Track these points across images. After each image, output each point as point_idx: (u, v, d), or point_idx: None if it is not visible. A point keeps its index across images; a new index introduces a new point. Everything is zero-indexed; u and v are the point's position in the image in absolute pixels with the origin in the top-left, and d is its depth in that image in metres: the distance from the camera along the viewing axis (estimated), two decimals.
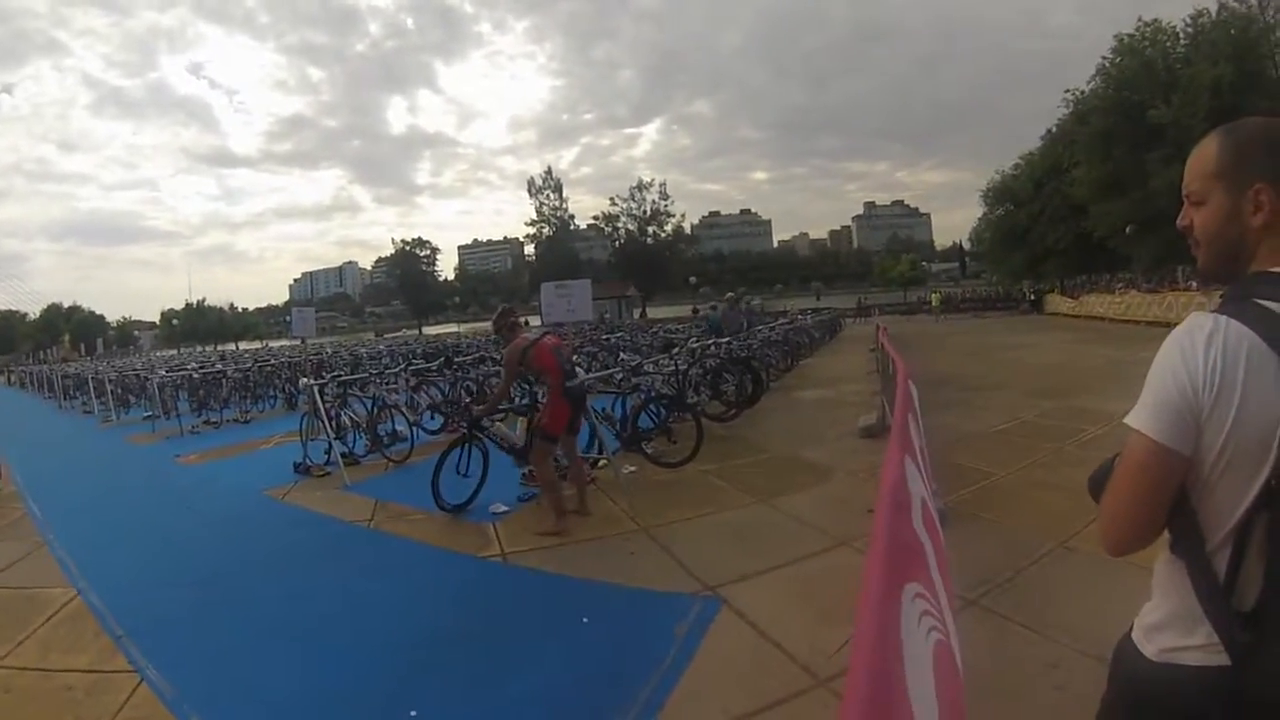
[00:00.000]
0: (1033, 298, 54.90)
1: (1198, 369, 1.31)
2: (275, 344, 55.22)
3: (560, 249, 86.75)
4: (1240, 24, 37.71)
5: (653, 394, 9.78)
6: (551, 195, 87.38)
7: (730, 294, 25.47)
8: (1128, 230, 39.81)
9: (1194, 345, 1.32)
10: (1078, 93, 46.38)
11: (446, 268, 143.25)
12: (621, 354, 15.28)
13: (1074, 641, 3.87)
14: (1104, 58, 42.83)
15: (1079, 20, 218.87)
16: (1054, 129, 52.93)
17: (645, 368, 10.84)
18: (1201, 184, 1.48)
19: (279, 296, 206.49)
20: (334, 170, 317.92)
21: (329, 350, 29.85)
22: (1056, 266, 54.80)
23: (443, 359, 14.56)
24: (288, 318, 25.06)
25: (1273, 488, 1.25)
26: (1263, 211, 1.38)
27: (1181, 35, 39.95)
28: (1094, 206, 42.52)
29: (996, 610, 4.47)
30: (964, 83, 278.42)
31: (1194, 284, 30.86)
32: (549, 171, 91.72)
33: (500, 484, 8.03)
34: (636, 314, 72.60)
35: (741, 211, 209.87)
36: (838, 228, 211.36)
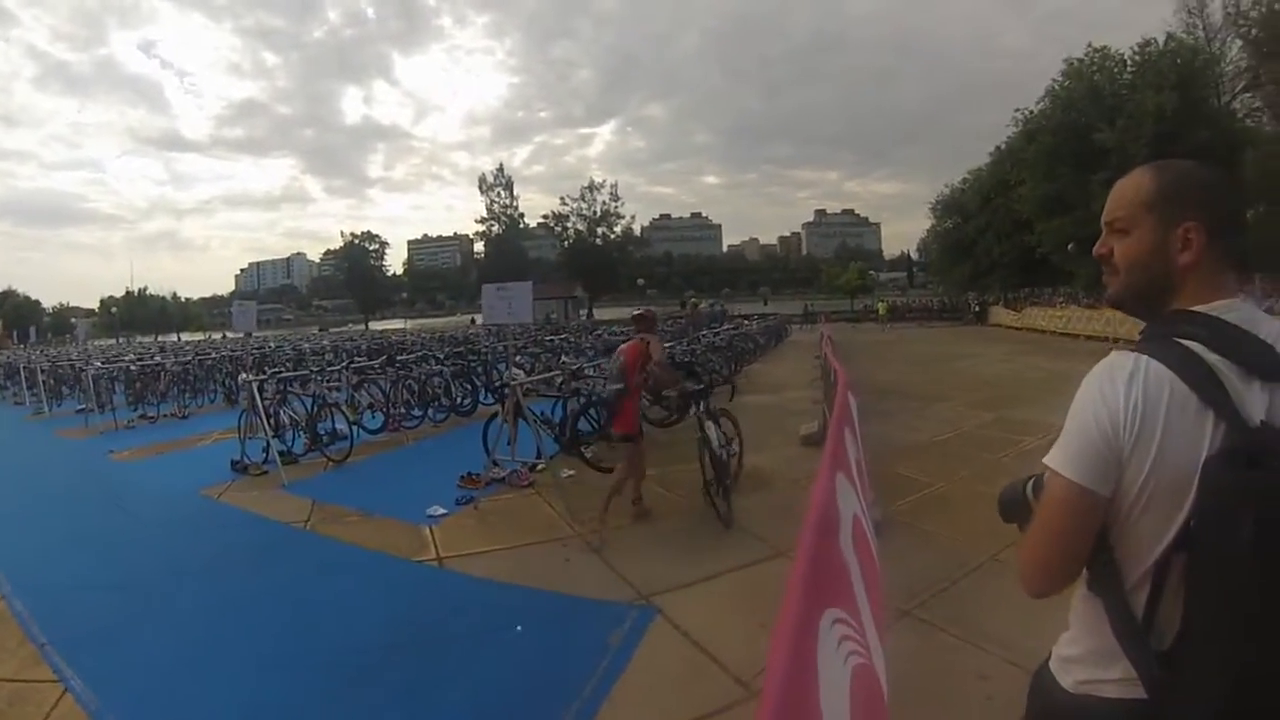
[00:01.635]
0: (977, 309, 55.71)
1: (1118, 410, 1.31)
2: (218, 336, 54.11)
3: (509, 247, 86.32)
4: (1186, 55, 38.93)
5: (593, 398, 9.73)
6: (502, 193, 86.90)
7: (693, 296, 25.74)
8: (1070, 247, 40.63)
9: (1114, 386, 1.33)
10: (1027, 112, 47.62)
11: (395, 263, 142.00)
12: (563, 357, 15.22)
13: (1005, 652, 3.90)
14: (1054, 80, 44.16)
15: (1031, 43, 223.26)
16: (1003, 146, 54.10)
17: (586, 371, 10.78)
18: (1129, 213, 1.47)
19: (225, 287, 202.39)
20: (285, 159, 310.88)
21: (272, 344, 29.32)
22: (1001, 279, 55.87)
23: (385, 357, 14.34)
24: (231, 309, 24.55)
25: (1191, 528, 1.25)
26: (1190, 250, 1.39)
27: (1129, 62, 41.15)
28: (1038, 223, 43.57)
29: (930, 620, 4.53)
30: (918, 97, 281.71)
31: None
32: (500, 169, 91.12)
33: (438, 486, 7.99)
34: (583, 314, 72.47)
35: (692, 215, 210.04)
36: (788, 234, 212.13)
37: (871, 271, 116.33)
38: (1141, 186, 1.46)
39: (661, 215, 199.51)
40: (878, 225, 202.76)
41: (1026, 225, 45.92)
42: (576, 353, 17.15)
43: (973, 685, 3.73)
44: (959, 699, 3.65)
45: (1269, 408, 1.26)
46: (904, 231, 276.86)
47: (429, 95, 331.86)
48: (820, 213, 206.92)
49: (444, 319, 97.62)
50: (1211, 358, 1.29)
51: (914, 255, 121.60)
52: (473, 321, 57.31)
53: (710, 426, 6.98)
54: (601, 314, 73.21)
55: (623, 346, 7.43)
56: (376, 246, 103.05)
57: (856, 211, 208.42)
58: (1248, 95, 41.16)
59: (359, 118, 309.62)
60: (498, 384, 10.04)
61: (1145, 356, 1.33)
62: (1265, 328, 1.34)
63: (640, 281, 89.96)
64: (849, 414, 4.39)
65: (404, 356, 14.70)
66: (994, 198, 53.11)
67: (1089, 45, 42.60)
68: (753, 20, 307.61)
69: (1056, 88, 43.66)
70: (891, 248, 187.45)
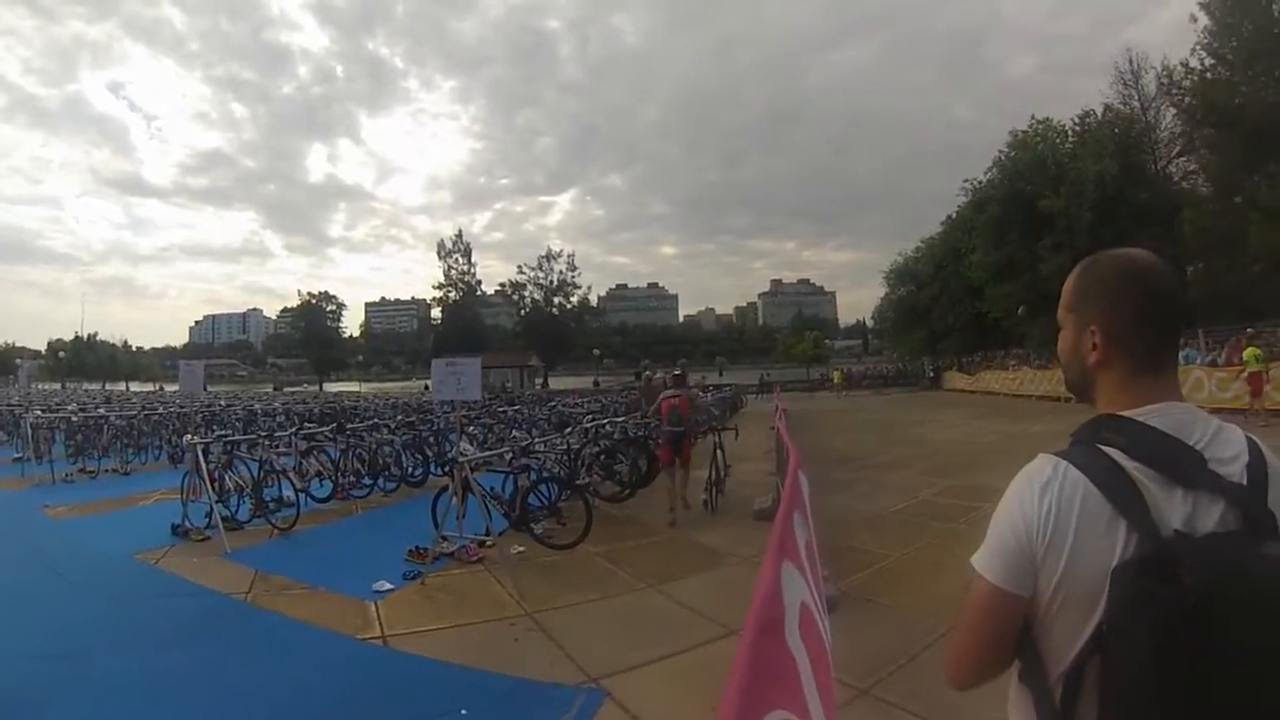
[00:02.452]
0: (932, 374, 56.55)
1: (1033, 516, 1.34)
2: (170, 388, 53.15)
3: (466, 314, 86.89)
4: (1123, 124, 41.55)
5: (543, 474, 9.67)
6: (460, 259, 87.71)
7: (647, 368, 26.09)
8: (1020, 311, 42.12)
9: (1031, 492, 1.35)
10: (976, 182, 49.96)
11: (353, 324, 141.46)
12: (514, 431, 15.14)
13: None
14: (1000, 151, 46.69)
15: (979, 114, 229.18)
16: (953, 215, 56.10)
17: (536, 446, 10.67)
18: (1061, 312, 1.55)
19: (178, 338, 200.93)
20: (247, 212, 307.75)
21: (222, 402, 28.86)
22: (954, 344, 57.04)
23: (335, 424, 14.05)
24: (179, 367, 24.13)
25: (1103, 633, 1.26)
26: (1096, 352, 1.44)
27: (1070, 132, 43.94)
28: (989, 288, 45.17)
29: (887, 699, 4.45)
30: (872, 167, 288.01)
31: None
32: (459, 235, 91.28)
33: (386, 560, 7.83)
34: (539, 384, 72.54)
35: (649, 285, 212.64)
36: (744, 304, 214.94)
37: (827, 340, 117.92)
38: (1067, 285, 1.54)
39: (618, 285, 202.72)
40: (833, 294, 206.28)
41: (978, 291, 47.52)
42: (530, 425, 17.03)
43: None
44: None
45: (1188, 516, 1.27)
46: (859, 299, 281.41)
47: (393, 157, 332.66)
48: (776, 282, 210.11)
49: (400, 383, 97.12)
50: (1130, 465, 1.31)
51: (869, 322, 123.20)
52: (426, 388, 57.12)
53: (720, 448, 11.86)
54: (558, 383, 73.34)
55: (674, 400, 11.11)
56: (334, 307, 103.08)
57: (812, 280, 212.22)
58: (1183, 159, 42.60)
59: (322, 175, 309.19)
60: (450, 455, 9.86)
61: (1065, 463, 1.35)
62: (1198, 430, 1.34)
63: (596, 351, 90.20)
64: (800, 496, 4.30)
65: (354, 425, 14.37)
66: (946, 265, 54.95)
67: (1033, 117, 45.44)
68: (712, 94, 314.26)
69: (1003, 158, 46.07)
70: (847, 315, 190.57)
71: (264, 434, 12.13)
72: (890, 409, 34.51)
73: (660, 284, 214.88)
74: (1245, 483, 1.28)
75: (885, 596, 6.42)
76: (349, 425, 13.94)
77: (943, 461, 14.70)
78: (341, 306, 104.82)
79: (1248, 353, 21.26)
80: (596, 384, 48.15)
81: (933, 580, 6.71)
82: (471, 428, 17.57)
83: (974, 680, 1.47)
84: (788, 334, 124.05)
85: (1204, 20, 36.55)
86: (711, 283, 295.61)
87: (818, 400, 47.42)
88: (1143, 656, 1.18)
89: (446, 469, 9.44)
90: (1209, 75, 36.81)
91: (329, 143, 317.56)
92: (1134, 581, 1.22)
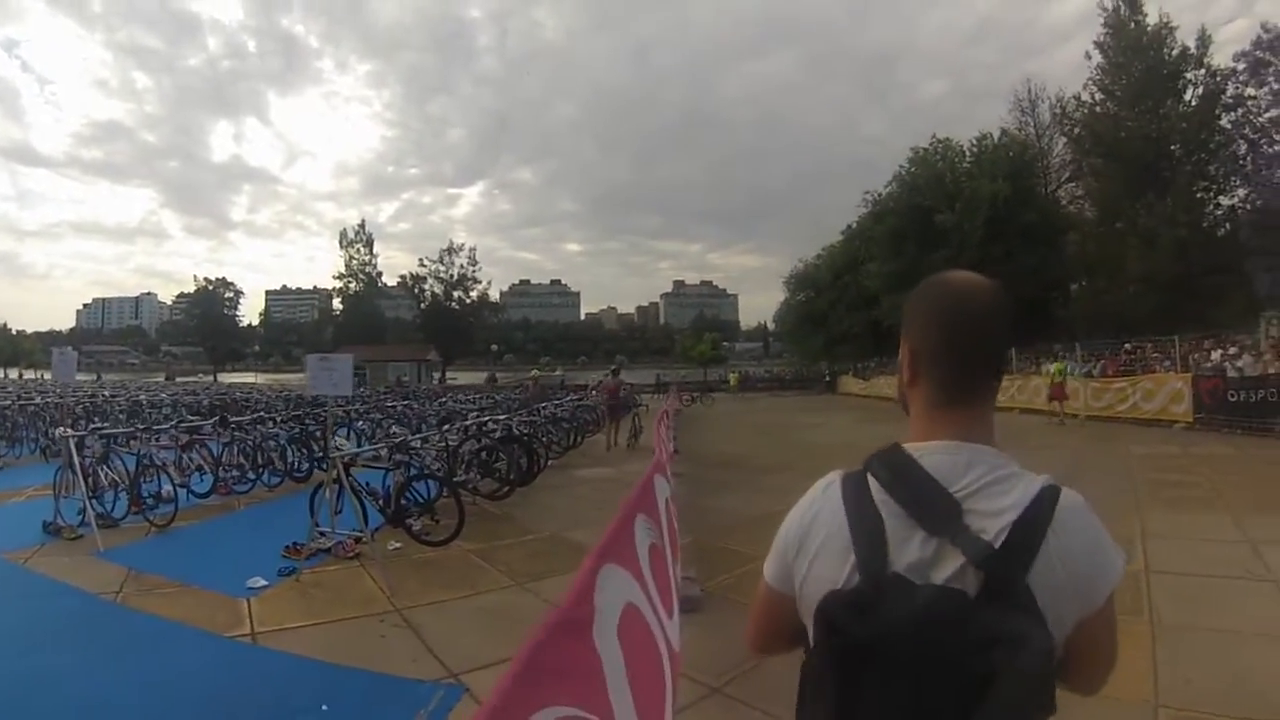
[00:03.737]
0: (828, 378, 57.51)
1: (795, 526, 1.43)
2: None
3: (366, 306, 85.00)
4: (1018, 148, 44.15)
5: (419, 470, 9.69)
6: (362, 249, 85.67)
7: (547, 364, 27.77)
8: None
9: (804, 503, 1.44)
10: (876, 194, 51.01)
11: (252, 313, 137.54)
12: (393, 427, 15.11)
13: None
14: (901, 166, 47.93)
15: (888, 131, 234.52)
16: (853, 225, 57.33)
17: (413, 443, 10.64)
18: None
19: (65, 322, 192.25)
20: (145, 190, 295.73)
21: (107, 392, 27.87)
22: (851, 350, 58.36)
23: (218, 417, 13.79)
24: (53, 354, 23.03)
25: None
26: (907, 372, 1.46)
27: (968, 153, 45.52)
28: (884, 298, 46.30)
29: (737, 697, 4.63)
30: (783, 175, 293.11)
31: None
32: (362, 225, 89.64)
33: (263, 556, 7.81)
34: (436, 378, 71.71)
35: (552, 281, 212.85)
36: (646, 303, 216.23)
37: (726, 342, 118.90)
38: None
39: (522, 281, 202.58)
40: (735, 297, 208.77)
41: (874, 300, 48.77)
42: (421, 421, 17.03)
43: None
44: None
45: (920, 563, 1.26)
46: (762, 303, 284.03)
47: (301, 140, 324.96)
48: (679, 283, 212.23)
49: (298, 375, 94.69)
50: (882, 499, 1.32)
51: (771, 326, 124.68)
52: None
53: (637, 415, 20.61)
54: (459, 378, 72.45)
55: (611, 385, 22.19)
56: (232, 294, 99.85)
57: (715, 283, 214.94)
58: (1072, 184, 45.79)
59: (227, 155, 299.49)
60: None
61: (837, 484, 1.40)
62: (970, 476, 1.31)
63: (494, 347, 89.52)
64: (649, 500, 4.46)
65: (239, 418, 14.06)
66: (844, 274, 56.38)
67: (934, 136, 46.99)
68: (629, 94, 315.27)
69: (903, 173, 47.51)
70: (749, 319, 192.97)
71: (142, 427, 11.83)
72: (784, 411, 35.14)
73: (563, 281, 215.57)
74: (999, 543, 1.24)
75: (750, 597, 6.60)
76: (233, 418, 13.67)
77: (825, 464, 14.71)
78: (239, 294, 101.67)
79: (1054, 368, 25.14)
80: (492, 380, 47.61)
81: None
82: (360, 423, 17.46)
83: (764, 652, 1.64)
84: (687, 335, 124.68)
85: (1098, 58, 39.79)
86: (615, 282, 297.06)
87: (713, 402, 47.85)
88: (818, 679, 1.28)
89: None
90: (1098, 109, 39.81)
91: (236, 121, 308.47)
92: (828, 612, 1.27)
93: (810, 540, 1.39)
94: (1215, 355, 22.50)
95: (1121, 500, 10.67)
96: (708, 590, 6.60)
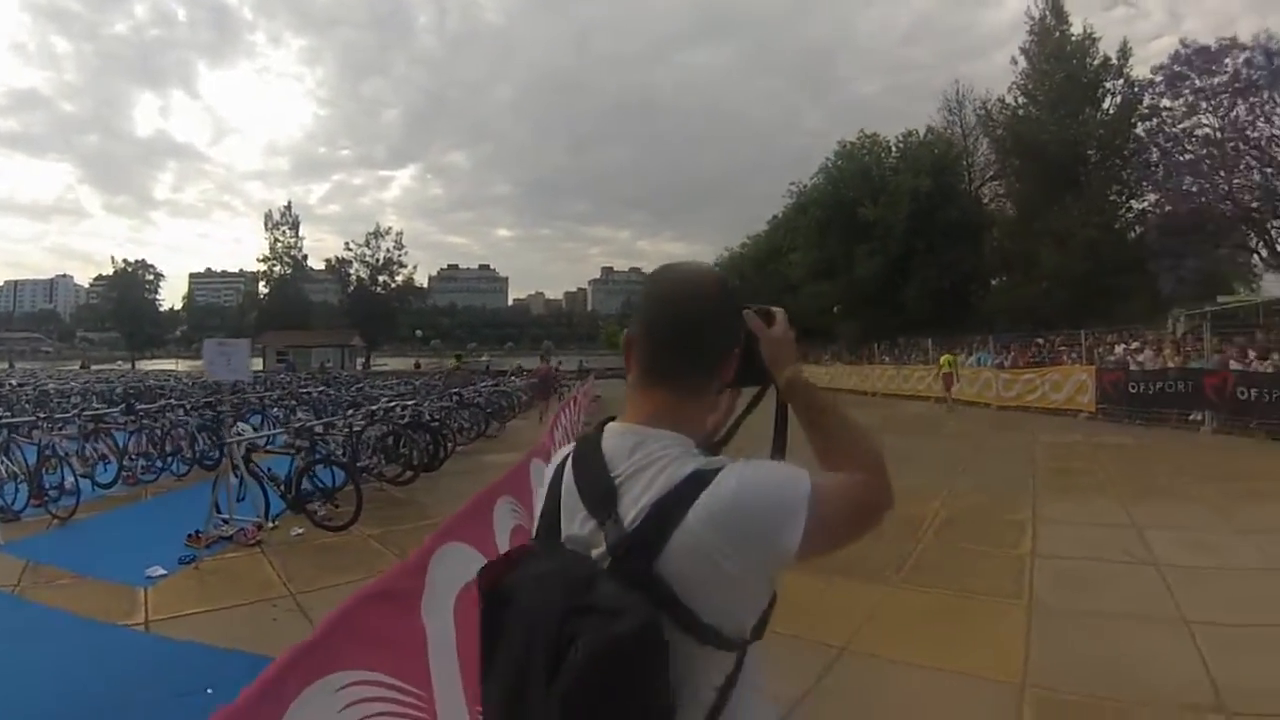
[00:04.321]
0: None
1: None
2: None
3: (291, 290, 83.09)
4: (942, 146, 45.62)
5: (320, 455, 9.67)
6: (288, 232, 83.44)
7: (471, 350, 27.78)
8: (835, 309, 44.38)
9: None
10: (802, 186, 51.71)
11: (175, 296, 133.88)
12: (299, 412, 15.06)
13: None
14: (828, 159, 48.81)
15: (826, 125, 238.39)
16: (779, 215, 57.87)
17: (316, 428, 10.62)
18: None
19: None
20: (63, 164, 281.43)
21: (14, 381, 27.13)
22: None
23: (124, 405, 13.50)
24: None
25: None
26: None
27: (894, 148, 46.87)
28: (807, 286, 47.12)
29: None
30: (718, 164, 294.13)
31: (886, 358, 36.07)
32: (288, 206, 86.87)
33: (166, 545, 7.76)
34: (361, 364, 70.76)
35: (480, 266, 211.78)
36: (575, 290, 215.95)
37: None
38: None
39: (450, 266, 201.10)
40: None
41: (797, 289, 49.38)
42: (337, 407, 16.72)
43: None
44: None
45: (581, 536, 1.31)
46: None
47: (230, 116, 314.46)
48: (608, 270, 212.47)
49: None
50: (569, 474, 1.39)
51: None
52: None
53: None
54: (389, 364, 71.49)
55: (543, 369, 29.82)
56: (152, 277, 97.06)
57: (643, 269, 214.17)
58: (994, 183, 46.77)
59: (152, 130, 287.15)
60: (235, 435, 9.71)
61: (566, 453, 1.46)
62: (632, 460, 1.33)
63: (418, 332, 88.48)
64: (522, 482, 4.58)
65: (146, 405, 13.79)
66: (768, 263, 56.74)
67: (861, 131, 48.17)
68: (567, 79, 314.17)
69: (830, 165, 48.19)
70: None
71: (44, 415, 11.47)
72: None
73: (492, 266, 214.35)
74: (635, 526, 1.26)
75: None
76: (140, 406, 13.41)
77: (731, 452, 15.26)
78: (160, 276, 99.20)
79: (944, 359, 26.90)
80: (418, 366, 47.26)
81: None
82: (275, 409, 17.27)
83: None
84: (613, 321, 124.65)
85: (1023, 64, 41.13)
86: (544, 267, 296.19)
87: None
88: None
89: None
90: (1021, 112, 40.97)
91: (162, 93, 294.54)
92: (487, 563, 1.34)
93: (537, 501, 1.49)
94: (1119, 350, 23.42)
95: (1021, 487, 11.20)
96: None
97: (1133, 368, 21.06)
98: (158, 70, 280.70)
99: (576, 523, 1.34)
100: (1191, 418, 18.50)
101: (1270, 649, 5.19)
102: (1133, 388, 20.20)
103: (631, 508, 1.28)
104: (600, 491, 1.32)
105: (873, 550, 7.53)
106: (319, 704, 1.90)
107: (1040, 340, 28.48)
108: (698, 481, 1.26)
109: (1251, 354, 17.89)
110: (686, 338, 1.40)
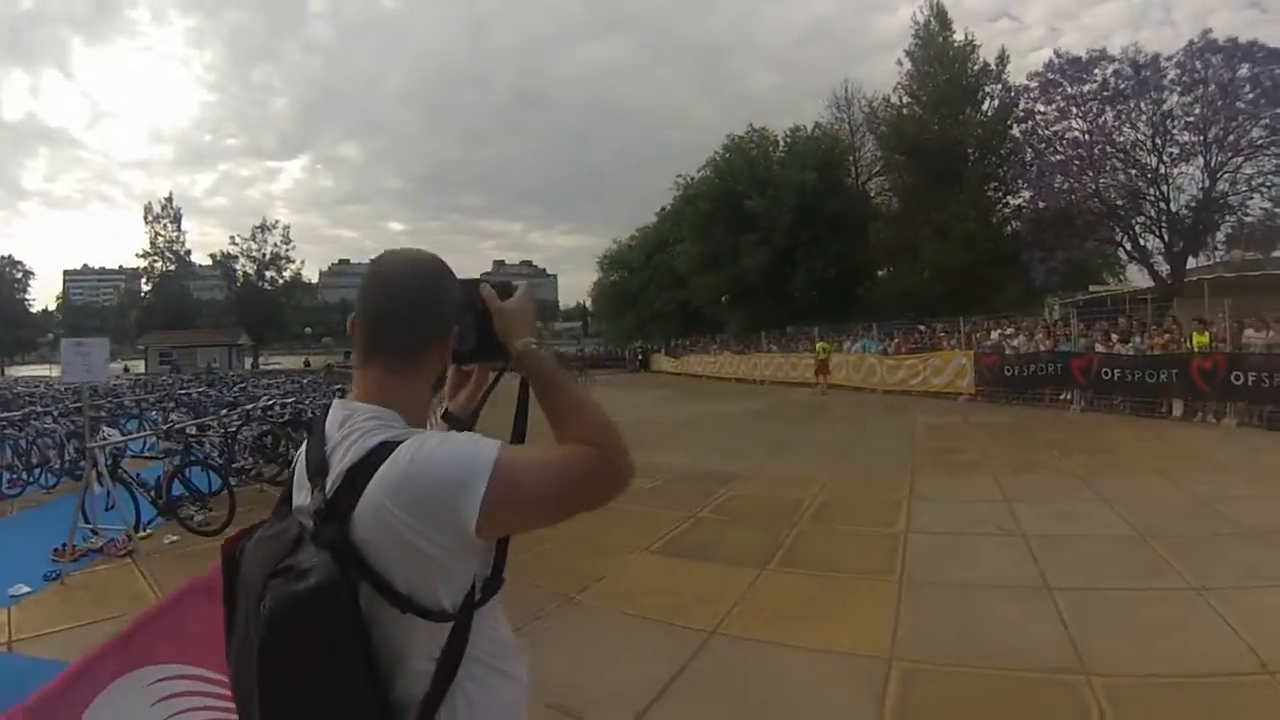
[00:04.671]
0: (640, 357, 58.39)
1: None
2: None
3: (174, 287, 79.45)
4: (829, 141, 47.21)
5: (194, 458, 9.37)
6: (170, 225, 79.24)
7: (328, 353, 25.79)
8: (723, 300, 45.42)
9: None
10: (688, 178, 52.48)
11: (48, 295, 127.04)
12: (172, 414, 14.53)
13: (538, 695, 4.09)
14: (715, 152, 49.87)
15: (717, 118, 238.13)
16: (666, 207, 58.52)
17: (189, 429, 10.29)
18: None
19: None
20: None
21: None
22: (662, 329, 59.88)
23: None
24: None
25: None
26: None
27: (782, 142, 48.12)
28: (694, 278, 48.22)
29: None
30: (609, 157, 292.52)
31: (773, 346, 36.61)
32: (170, 198, 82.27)
33: (32, 561, 7.43)
34: (249, 363, 68.68)
35: (372, 260, 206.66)
36: None
37: (543, 322, 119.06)
38: None
39: (341, 260, 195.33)
40: (555, 276, 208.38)
41: (684, 280, 50.41)
42: (219, 407, 16.12)
43: None
44: None
45: (304, 505, 1.37)
46: (582, 283, 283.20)
47: (109, 99, 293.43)
48: (499, 263, 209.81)
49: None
50: (303, 448, 1.48)
51: (589, 306, 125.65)
52: (126, 369, 52.47)
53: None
54: (282, 363, 69.40)
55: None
56: (20, 275, 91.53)
57: (535, 263, 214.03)
58: (880, 178, 48.36)
59: (21, 112, 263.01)
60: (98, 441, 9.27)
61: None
62: (343, 433, 1.39)
63: (307, 330, 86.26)
64: None
65: (7, 414, 13.14)
66: (655, 254, 57.93)
67: (750, 125, 48.93)
68: (461, 70, 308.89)
69: (717, 158, 48.96)
70: (569, 299, 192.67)
71: None
72: (594, 391, 35.53)
73: None
74: (330, 494, 1.33)
75: (529, 575, 6.50)
76: (1, 415, 12.71)
77: (630, 440, 15.38)
78: (30, 274, 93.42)
79: (819, 346, 28.57)
80: (308, 364, 46.22)
81: (583, 558, 7.14)
82: (153, 412, 16.69)
83: None
84: None
85: (908, 65, 42.55)
86: None
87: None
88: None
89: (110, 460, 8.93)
90: (905, 111, 42.59)
91: (32, 72, 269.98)
92: (237, 536, 1.46)
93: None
94: (994, 335, 24.46)
95: (900, 466, 11.64)
96: None
97: (1008, 352, 22.06)
98: (28, 45, 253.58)
99: (303, 493, 1.39)
100: (1062, 397, 19.67)
101: (1126, 610, 5.50)
102: (1008, 370, 21.19)
103: (331, 477, 1.34)
104: (316, 462, 1.38)
105: (747, 536, 7.80)
106: (128, 699, 1.87)
107: (922, 328, 29.53)
108: (381, 452, 1.31)
109: (1114, 338, 19.04)
110: (396, 313, 1.46)
